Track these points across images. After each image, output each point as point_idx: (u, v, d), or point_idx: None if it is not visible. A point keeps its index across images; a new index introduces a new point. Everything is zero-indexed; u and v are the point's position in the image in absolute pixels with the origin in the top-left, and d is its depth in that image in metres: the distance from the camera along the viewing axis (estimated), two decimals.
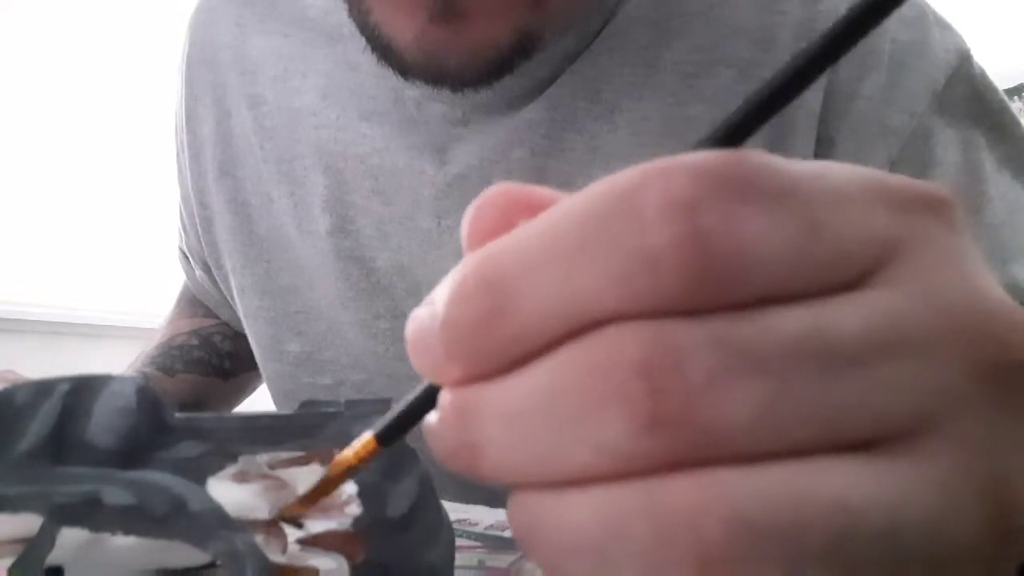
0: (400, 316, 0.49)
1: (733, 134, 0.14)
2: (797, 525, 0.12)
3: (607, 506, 0.13)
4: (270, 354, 0.55)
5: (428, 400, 0.16)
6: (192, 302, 0.67)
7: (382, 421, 0.17)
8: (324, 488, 0.20)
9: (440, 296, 0.14)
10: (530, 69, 0.42)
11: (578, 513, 0.13)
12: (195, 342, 0.64)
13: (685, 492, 0.12)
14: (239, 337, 0.63)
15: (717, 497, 0.12)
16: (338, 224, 0.50)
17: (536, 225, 0.14)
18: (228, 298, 0.59)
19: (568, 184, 0.27)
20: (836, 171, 0.14)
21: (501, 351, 0.14)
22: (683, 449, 0.12)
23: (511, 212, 0.15)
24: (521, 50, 0.39)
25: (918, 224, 0.14)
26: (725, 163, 0.13)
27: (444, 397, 0.15)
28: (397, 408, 0.17)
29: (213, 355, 0.64)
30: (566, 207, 0.14)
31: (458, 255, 0.44)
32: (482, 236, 0.15)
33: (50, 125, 1.91)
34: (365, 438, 0.18)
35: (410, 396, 0.16)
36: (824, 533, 0.12)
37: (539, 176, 0.45)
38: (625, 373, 0.13)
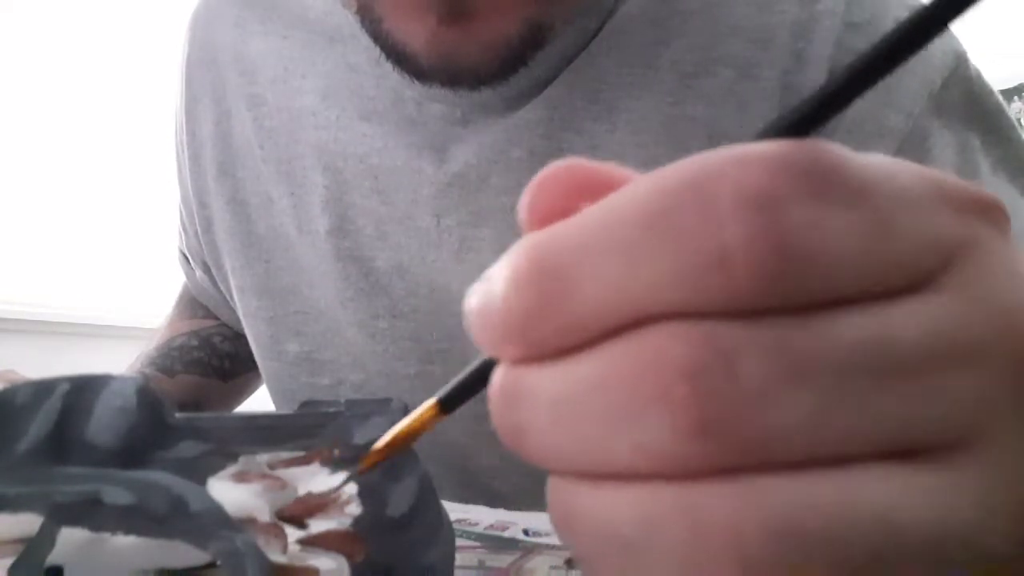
0: (399, 316, 0.49)
1: (802, 123, 0.13)
2: (840, 535, 0.12)
3: (644, 505, 0.13)
4: (269, 354, 0.55)
5: (487, 372, 0.16)
6: (192, 303, 0.67)
7: (446, 388, 0.18)
8: (388, 451, 0.20)
9: (497, 275, 0.14)
10: (529, 69, 0.42)
11: (615, 508, 0.13)
12: (195, 343, 0.64)
13: (727, 499, 0.12)
14: (239, 338, 0.63)
15: (760, 505, 0.12)
16: (337, 224, 0.50)
17: (599, 212, 0.13)
18: (228, 299, 0.59)
19: None
20: (905, 170, 0.14)
21: (554, 339, 0.14)
22: (727, 456, 0.12)
23: (573, 191, 0.14)
24: (533, 41, 0.40)
25: (975, 228, 0.14)
26: (804, 156, 0.12)
27: (496, 375, 0.14)
28: (459, 376, 0.17)
29: (213, 356, 0.64)
30: (631, 194, 0.13)
31: (457, 255, 0.44)
32: (542, 216, 0.14)
33: (50, 125, 1.91)
34: (428, 404, 0.18)
35: (471, 366, 0.17)
36: (867, 543, 0.12)
37: None
38: (673, 375, 0.12)
